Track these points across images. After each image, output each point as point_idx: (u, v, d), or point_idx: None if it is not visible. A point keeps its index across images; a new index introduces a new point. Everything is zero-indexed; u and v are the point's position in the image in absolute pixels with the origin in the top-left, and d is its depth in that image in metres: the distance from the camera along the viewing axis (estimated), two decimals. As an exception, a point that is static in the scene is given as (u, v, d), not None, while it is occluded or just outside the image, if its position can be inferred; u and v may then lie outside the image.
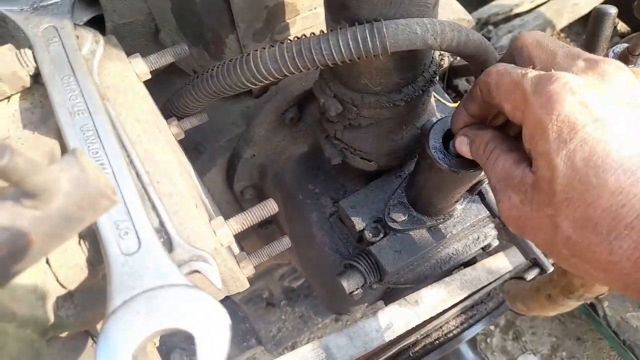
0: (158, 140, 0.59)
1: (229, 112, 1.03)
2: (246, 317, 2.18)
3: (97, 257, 0.49)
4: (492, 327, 2.33)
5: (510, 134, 0.61)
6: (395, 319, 0.80)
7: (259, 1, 0.82)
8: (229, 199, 1.23)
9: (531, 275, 0.78)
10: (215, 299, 0.44)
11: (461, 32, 0.67)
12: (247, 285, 0.75)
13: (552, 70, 0.51)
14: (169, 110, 0.83)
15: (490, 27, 2.41)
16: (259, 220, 0.61)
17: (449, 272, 1.06)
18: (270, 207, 0.61)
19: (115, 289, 0.44)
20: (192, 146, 1.03)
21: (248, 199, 1.20)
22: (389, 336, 0.78)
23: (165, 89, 0.84)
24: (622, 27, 2.77)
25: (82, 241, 0.48)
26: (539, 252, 0.78)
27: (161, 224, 0.53)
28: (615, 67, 0.51)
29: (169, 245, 0.52)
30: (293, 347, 2.24)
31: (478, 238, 1.06)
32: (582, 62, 0.53)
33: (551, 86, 0.49)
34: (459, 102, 0.98)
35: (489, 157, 0.57)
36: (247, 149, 1.04)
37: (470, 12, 2.46)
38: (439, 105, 1.08)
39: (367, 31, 0.63)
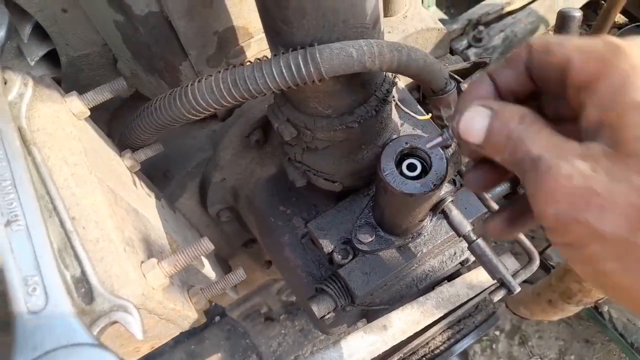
0: (87, 183, 0.57)
1: (196, 137, 1.02)
2: (246, 333, 2.17)
3: (7, 314, 0.48)
4: (497, 333, 2.29)
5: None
6: (360, 348, 0.77)
7: (207, 28, 0.80)
8: (209, 222, 1.21)
9: (498, 296, 0.75)
10: (120, 359, 0.43)
11: (401, 53, 0.64)
12: (202, 320, 0.74)
13: None
14: (124, 142, 0.82)
15: (482, 28, 2.36)
16: (193, 260, 0.59)
17: (427, 290, 1.03)
18: (204, 246, 0.59)
19: (18, 350, 0.43)
20: (161, 173, 1.02)
21: (225, 221, 1.19)
22: (352, 366, 0.76)
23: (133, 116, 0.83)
24: (620, 18, 2.71)
25: (-6, 298, 0.47)
26: (505, 272, 0.75)
27: (83, 273, 0.51)
28: None
29: (90, 295, 0.50)
30: (295, 361, 2.23)
31: (455, 253, 1.03)
32: None
33: None
34: (430, 114, 0.96)
35: (527, 128, 0.43)
36: (216, 173, 1.03)
37: (461, 14, 2.43)
38: (409, 119, 1.06)
39: (300, 57, 0.61)
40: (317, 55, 0.61)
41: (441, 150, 0.72)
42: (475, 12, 2.43)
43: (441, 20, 2.62)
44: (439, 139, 0.56)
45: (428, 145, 0.58)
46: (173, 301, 0.61)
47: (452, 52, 2.36)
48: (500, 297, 0.76)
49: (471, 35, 2.34)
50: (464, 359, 1.29)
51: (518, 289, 0.75)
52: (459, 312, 1.12)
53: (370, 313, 1.04)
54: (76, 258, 0.52)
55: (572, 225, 0.39)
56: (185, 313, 0.66)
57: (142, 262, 0.57)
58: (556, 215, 0.39)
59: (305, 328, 2.17)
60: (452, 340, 1.20)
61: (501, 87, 0.50)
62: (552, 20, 2.43)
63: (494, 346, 2.27)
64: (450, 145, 0.73)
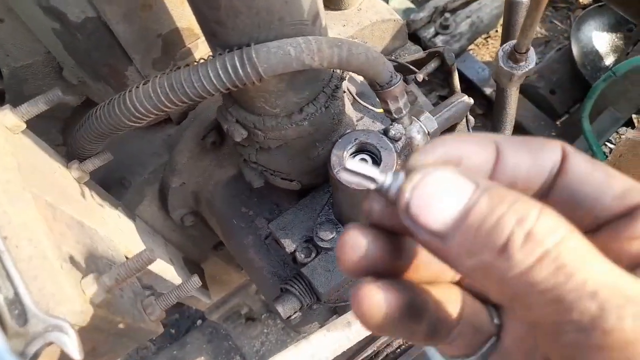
0: (20, 200, 0.55)
1: (151, 142, 1.00)
2: (228, 335, 2.15)
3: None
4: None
5: None
6: (323, 346, 0.77)
7: (148, 31, 0.78)
8: (174, 227, 1.19)
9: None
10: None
11: (342, 48, 0.63)
12: (158, 330, 0.73)
13: None
14: (71, 153, 0.79)
15: (448, 15, 2.37)
16: (136, 272, 0.58)
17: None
18: (145, 258, 0.58)
19: (-57, 380, 0.41)
20: (116, 181, 1.00)
21: (190, 226, 1.17)
22: (315, 366, 0.75)
23: None
24: (584, -1, 2.73)
25: None
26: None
27: (16, 294, 0.49)
28: None
29: (24, 316, 0.49)
30: (279, 360, 2.22)
31: (420, 245, 1.03)
32: None
33: None
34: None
35: (563, 239, 0.27)
36: (174, 178, 1.01)
37: (426, 2, 2.42)
38: (368, 112, 1.05)
39: (236, 58, 0.60)
40: (254, 55, 0.60)
41: (390, 144, 0.71)
42: (441, -1, 2.43)
43: (408, 10, 2.63)
44: (372, 176, 0.32)
45: (351, 168, 0.35)
46: (122, 315, 0.60)
47: (419, 40, 2.37)
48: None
49: (438, 22, 2.34)
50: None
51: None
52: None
53: (340, 309, 1.04)
54: (8, 278, 0.50)
55: None
56: (138, 325, 0.65)
57: (82, 278, 0.56)
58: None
59: (288, 325, 2.16)
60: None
61: (505, 168, 0.33)
62: (517, 4, 2.45)
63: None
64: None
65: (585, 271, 0.25)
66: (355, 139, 0.72)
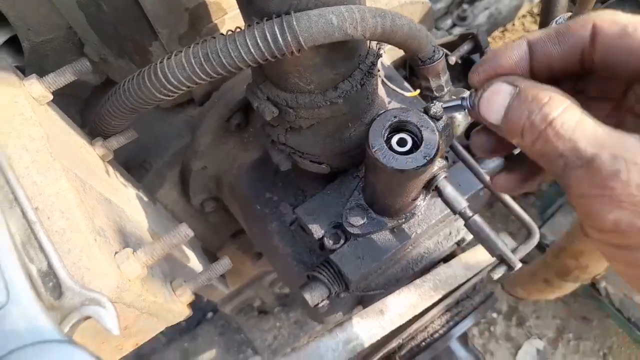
0: (51, 170, 0.53)
1: (172, 124, 0.98)
2: (240, 328, 2.13)
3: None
4: (494, 315, 2.27)
5: None
6: (357, 334, 0.74)
7: (177, 4, 0.76)
8: (193, 212, 1.17)
9: (498, 274, 0.72)
10: (92, 354, 0.39)
11: (385, 18, 0.60)
12: (187, 312, 0.70)
13: None
14: (95, 130, 0.77)
15: (466, 6, 2.33)
16: (172, 248, 0.55)
17: (423, 272, 1.00)
18: (182, 233, 0.55)
19: (-23, 353, 0.38)
20: (137, 164, 0.97)
21: (211, 212, 1.15)
22: (349, 354, 0.72)
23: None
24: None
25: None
26: (504, 248, 0.72)
27: (50, 266, 0.47)
28: None
29: (58, 289, 0.46)
30: (291, 354, 2.19)
31: (450, 233, 1.00)
32: None
33: None
34: (418, 90, 0.92)
35: (561, 116, 0.40)
36: (196, 161, 0.98)
37: (444, -8, 2.38)
38: (396, 96, 1.02)
39: (276, 27, 0.57)
40: (295, 23, 0.56)
41: (432, 123, 0.68)
42: (458, -10, 2.39)
43: None
44: (458, 102, 0.54)
45: (444, 106, 0.58)
46: (154, 294, 0.57)
47: (437, 30, 2.33)
48: (500, 275, 0.73)
49: (455, 14, 2.30)
50: (463, 341, 1.27)
51: (519, 265, 0.72)
52: (457, 294, 1.09)
53: (366, 299, 1.01)
54: (41, 250, 0.47)
55: (633, 232, 0.38)
56: (169, 306, 0.62)
57: (116, 252, 0.53)
58: (617, 221, 0.38)
59: (301, 320, 2.14)
60: (451, 323, 1.17)
61: (539, 61, 0.45)
62: (537, -3, 2.40)
63: (491, 328, 2.26)
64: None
65: (575, 130, 0.39)
66: (394, 117, 0.69)
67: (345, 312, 1.13)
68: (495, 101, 0.45)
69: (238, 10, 0.83)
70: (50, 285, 0.46)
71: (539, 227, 2.20)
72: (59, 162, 0.54)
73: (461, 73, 1.01)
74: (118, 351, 0.65)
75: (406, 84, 1.08)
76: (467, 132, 1.02)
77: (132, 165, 0.95)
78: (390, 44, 0.64)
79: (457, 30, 2.30)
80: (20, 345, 0.39)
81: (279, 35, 0.57)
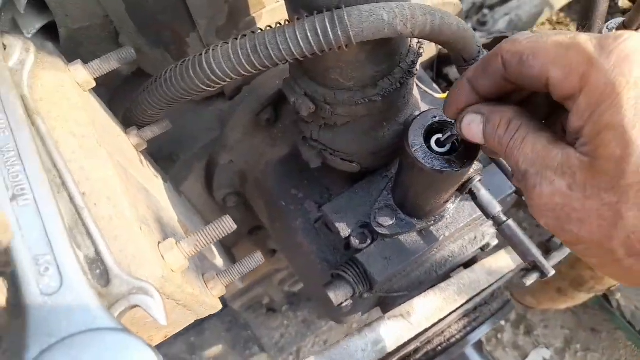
0: (97, 156, 0.52)
1: (202, 117, 0.97)
2: (247, 325, 2.12)
3: (18, 297, 0.43)
4: (502, 322, 2.26)
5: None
6: (385, 335, 0.73)
7: (217, -4, 0.75)
8: (214, 207, 1.16)
9: (530, 280, 0.71)
10: (147, 344, 0.38)
11: (435, 16, 0.59)
12: (218, 306, 0.69)
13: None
14: (129, 119, 0.76)
15: (486, 11, 2.32)
16: (215, 239, 0.54)
17: (446, 276, 0.99)
18: (226, 225, 0.54)
19: (32, 337, 0.38)
20: (165, 155, 0.97)
21: (232, 207, 1.14)
22: (378, 355, 0.72)
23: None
24: (623, 3, 2.67)
25: (1, 281, 0.42)
26: (538, 255, 0.71)
27: (97, 253, 0.46)
28: None
29: (105, 277, 0.45)
30: (297, 353, 2.19)
31: (475, 238, 0.99)
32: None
33: (625, 44, 0.40)
34: (449, 90, 0.91)
35: (513, 136, 0.48)
36: (224, 155, 0.97)
37: (464, -3, 2.37)
38: (426, 97, 1.01)
39: (327, 20, 0.56)
40: (346, 17, 0.56)
41: (472, 124, 0.68)
42: (479, -5, 2.38)
43: (444, 5, 2.57)
44: (449, 133, 0.64)
45: (443, 138, 0.66)
46: (191, 285, 0.57)
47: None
48: (533, 281, 0.72)
49: (475, 19, 2.30)
50: (479, 348, 1.26)
51: (552, 272, 0.71)
52: (476, 299, 1.08)
53: (388, 300, 1.00)
54: (89, 236, 0.47)
55: (560, 232, 0.46)
56: (203, 299, 0.62)
57: (159, 242, 0.52)
58: (546, 225, 0.47)
59: (308, 319, 2.13)
60: (469, 328, 1.16)
61: (484, 90, 0.53)
62: (558, 4, 2.39)
63: (499, 336, 2.25)
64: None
65: (519, 148, 0.47)
66: (435, 117, 0.68)
67: (364, 313, 1.13)
68: (473, 129, 0.53)
69: (276, 4, 0.84)
70: (98, 272, 0.46)
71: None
72: (105, 148, 0.54)
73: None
74: (149, 341, 0.64)
75: (435, 86, 1.07)
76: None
77: (160, 156, 0.94)
78: (436, 42, 0.63)
79: (477, 35, 2.28)
80: (75, 332, 0.38)
81: (329, 30, 0.56)
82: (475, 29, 2.31)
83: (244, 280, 1.59)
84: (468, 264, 1.05)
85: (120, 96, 1.02)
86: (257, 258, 0.68)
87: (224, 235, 0.55)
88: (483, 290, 1.03)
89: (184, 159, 0.96)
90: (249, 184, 1.05)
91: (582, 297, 1.69)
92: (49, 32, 0.85)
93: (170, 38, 0.79)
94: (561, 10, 2.60)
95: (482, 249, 1.00)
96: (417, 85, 0.98)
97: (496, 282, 1.04)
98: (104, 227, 0.48)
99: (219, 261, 1.03)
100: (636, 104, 0.39)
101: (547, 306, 1.98)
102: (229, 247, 1.40)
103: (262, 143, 0.98)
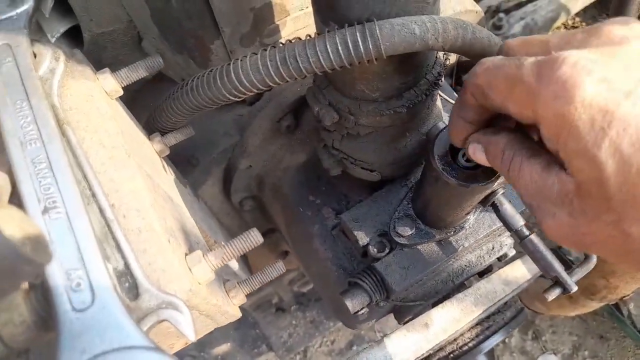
0: (126, 167, 0.52)
1: (222, 122, 0.97)
2: (256, 323, 2.13)
3: (49, 312, 0.43)
4: (511, 327, 2.25)
5: (530, 134, 0.51)
6: (404, 347, 0.73)
7: (243, 3, 0.75)
8: (229, 210, 1.16)
9: (552, 295, 0.71)
10: (180, 363, 0.38)
11: (467, 30, 0.59)
12: (239, 315, 0.69)
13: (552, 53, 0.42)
14: (152, 125, 0.76)
15: (502, 15, 2.30)
16: (242, 252, 0.54)
17: (461, 285, 0.99)
18: (253, 238, 0.54)
19: (65, 353, 0.38)
20: (184, 159, 0.97)
21: (248, 210, 1.14)
22: (397, 366, 0.72)
23: (155, 99, 0.78)
24: None
25: (31, 293, 0.42)
26: (560, 270, 0.71)
27: (126, 266, 0.46)
28: (621, 25, 0.42)
29: (134, 290, 0.46)
30: (305, 353, 2.19)
31: (493, 248, 0.99)
32: (580, 34, 0.44)
33: (560, 70, 0.39)
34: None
35: (509, 167, 0.48)
36: (243, 160, 0.97)
37: (479, 0, 2.36)
38: (446, 105, 1.00)
39: (358, 34, 0.56)
40: (377, 31, 0.55)
41: (499, 139, 0.67)
42: (495, -2, 2.37)
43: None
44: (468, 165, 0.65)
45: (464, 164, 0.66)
46: (215, 296, 0.57)
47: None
48: (556, 296, 0.71)
49: (491, 22, 2.28)
50: (490, 356, 1.25)
51: (575, 288, 0.70)
52: (492, 308, 1.07)
53: (402, 308, 1.00)
54: (118, 249, 0.47)
55: (587, 252, 0.51)
56: (225, 308, 0.62)
57: (186, 254, 0.52)
58: (571, 248, 0.49)
59: (317, 319, 2.14)
60: (481, 337, 1.15)
61: (476, 123, 0.53)
62: (574, 8, 2.37)
63: (507, 341, 2.24)
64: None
65: (518, 180, 0.48)
66: (461, 131, 0.67)
67: (377, 319, 1.13)
68: (479, 157, 0.54)
69: (300, 12, 0.83)
70: (127, 285, 0.46)
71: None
72: (133, 159, 0.54)
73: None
74: (169, 350, 0.65)
75: (455, 94, 1.07)
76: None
77: (179, 160, 0.94)
78: (466, 56, 0.63)
79: (492, 39, 2.26)
80: (108, 350, 0.38)
81: (360, 43, 0.56)
82: (490, 33, 2.29)
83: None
84: (483, 272, 1.05)
85: (141, 99, 1.02)
86: (279, 267, 0.68)
87: (251, 248, 0.55)
88: (499, 300, 1.02)
89: (203, 163, 0.96)
90: (266, 189, 1.05)
91: (594, 306, 1.68)
92: (72, 36, 0.85)
93: (194, 44, 0.79)
94: (577, 14, 2.57)
95: (500, 259, 1.00)
96: (439, 94, 0.98)
97: (512, 292, 1.03)
98: (133, 240, 0.48)
99: (234, 265, 1.03)
100: (592, 125, 0.38)
101: (556, 312, 1.97)
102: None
103: (281, 149, 0.98)
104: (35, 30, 0.79)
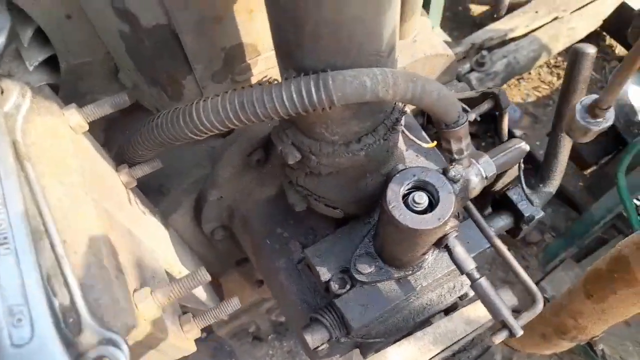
0: (82, 205, 0.54)
1: (194, 153, 0.99)
2: (232, 352, 2.11)
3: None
4: (487, 363, 2.25)
5: None
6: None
7: (214, 43, 0.78)
8: (202, 239, 1.18)
9: (499, 338, 0.72)
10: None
11: (416, 84, 0.62)
12: (193, 349, 0.71)
13: None
14: (121, 157, 0.79)
15: (485, 52, 2.37)
16: (189, 290, 0.56)
17: (424, 323, 1.01)
18: (201, 277, 0.56)
19: (-2, 388, 0.39)
20: (155, 187, 0.99)
21: (220, 240, 1.16)
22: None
23: (130, 127, 0.80)
24: (620, 50, 2.73)
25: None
26: (507, 315, 0.73)
27: (72, 301, 0.48)
28: None
29: (78, 326, 0.47)
30: (280, 382, 2.17)
31: (454, 287, 1.00)
32: None
33: None
34: (435, 142, 0.93)
35: None
36: (213, 191, 1.00)
37: (464, 37, 2.43)
38: (412, 145, 1.04)
39: (312, 84, 0.59)
40: (330, 81, 0.59)
41: (450, 185, 0.70)
42: (479, 36, 2.44)
43: (445, 43, 2.61)
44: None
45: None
46: (164, 332, 0.58)
47: (456, 76, 2.36)
48: (502, 339, 0.73)
49: (474, 59, 2.34)
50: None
51: (520, 332, 0.72)
52: (455, 347, 1.09)
53: (364, 345, 1.01)
54: (66, 285, 0.48)
55: None
56: (177, 343, 0.63)
57: (135, 290, 0.54)
58: None
59: (294, 350, 2.13)
60: (446, 374, 1.16)
61: None
62: (555, 49, 2.44)
63: (483, 376, 2.23)
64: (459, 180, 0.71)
65: None
66: (414, 176, 0.70)
67: (342, 354, 1.13)
68: None
69: (271, 52, 0.87)
70: (71, 321, 0.48)
71: (540, 280, 2.20)
72: (91, 196, 0.56)
73: (479, 130, 1.03)
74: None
75: (424, 134, 1.10)
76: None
77: (149, 188, 0.96)
78: (417, 106, 0.66)
79: (475, 75, 2.34)
80: (41, 385, 0.40)
81: (313, 92, 0.59)
82: (473, 69, 2.35)
83: (229, 309, 1.59)
84: (448, 310, 1.06)
85: (116, 125, 1.04)
86: (234, 303, 0.69)
87: (198, 286, 0.57)
88: (460, 340, 1.04)
89: (174, 193, 0.98)
90: (236, 220, 1.07)
91: (565, 345, 1.69)
92: (51, 65, 0.88)
93: (166, 80, 0.82)
94: (559, 54, 2.65)
95: (461, 298, 1.02)
96: (405, 133, 1.01)
97: (473, 331, 1.05)
98: (81, 276, 0.50)
99: (201, 294, 1.04)
100: None
101: (532, 350, 1.97)
102: (217, 278, 1.41)
103: (251, 182, 1.00)
104: (11, 61, 0.81)
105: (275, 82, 0.62)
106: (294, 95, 0.60)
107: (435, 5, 2.47)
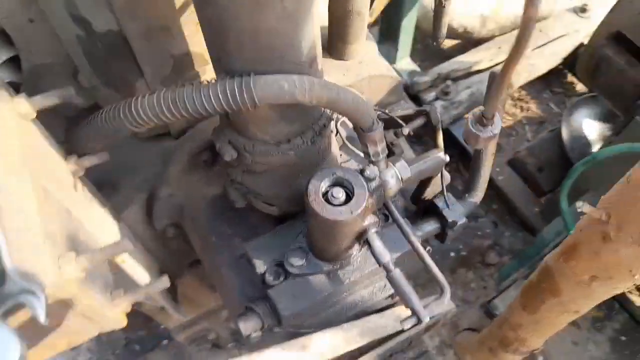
0: (19, 176, 0.61)
1: (148, 152, 1.07)
2: (191, 358, 2.14)
3: None
4: (443, 379, 2.30)
5: None
6: (274, 363, 0.80)
7: (163, 50, 0.86)
8: (154, 236, 1.24)
9: (409, 323, 0.79)
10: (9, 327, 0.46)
11: (331, 90, 0.71)
12: (123, 322, 0.77)
13: None
14: (72, 149, 0.86)
15: (449, 82, 2.49)
16: (110, 256, 0.63)
17: (356, 318, 1.07)
18: (122, 245, 0.63)
19: None
20: (108, 183, 1.06)
21: (171, 238, 1.22)
22: (265, 381, 0.78)
23: None
24: (580, 87, 2.88)
25: None
26: (416, 302, 0.80)
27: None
28: None
29: (1, 279, 0.53)
30: (237, 392, 2.19)
31: (385, 286, 1.08)
32: None
33: None
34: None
35: None
36: (164, 189, 1.06)
37: (432, 67, 2.55)
38: (356, 157, 1.12)
39: (235, 85, 0.67)
40: (252, 83, 0.67)
41: (364, 183, 0.78)
42: (445, 67, 2.57)
43: (413, 72, 2.74)
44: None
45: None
46: (90, 298, 0.64)
47: (420, 102, 2.48)
48: (410, 325, 0.80)
49: (439, 88, 2.47)
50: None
51: (427, 319, 0.79)
52: (390, 345, 1.15)
53: (299, 336, 1.07)
54: (-5, 244, 0.55)
55: None
56: (103, 311, 0.69)
57: (61, 255, 0.61)
58: None
59: (252, 358, 2.15)
60: (381, 374, 1.22)
61: None
62: (517, 83, 2.58)
63: (437, 392, 2.28)
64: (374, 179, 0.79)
65: None
66: (333, 173, 0.78)
67: (279, 345, 1.19)
68: None
69: (218, 62, 0.95)
70: (-3, 274, 0.54)
71: (493, 298, 2.28)
72: (29, 170, 0.63)
73: (415, 142, 1.11)
74: (52, 348, 0.71)
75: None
76: (412, 198, 1.12)
77: (103, 184, 1.03)
78: (334, 110, 0.75)
79: (440, 103, 2.46)
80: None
81: (237, 93, 0.67)
82: (438, 98, 2.47)
83: (188, 313, 1.64)
84: (382, 309, 1.13)
85: (74, 126, 1.11)
86: (163, 282, 0.76)
87: (119, 254, 0.63)
88: (393, 336, 1.10)
89: (125, 189, 1.04)
90: (186, 218, 1.14)
91: (510, 358, 1.76)
92: (14, 64, 0.95)
93: (120, 82, 0.90)
94: (522, 87, 2.79)
95: (392, 296, 1.08)
96: (346, 144, 1.10)
97: (405, 330, 1.11)
98: (12, 238, 0.56)
99: (142, 277, 1.09)
100: None
101: (482, 366, 2.03)
102: (173, 281, 1.46)
103: (198, 181, 1.07)
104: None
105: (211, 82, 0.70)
106: (220, 95, 0.68)
107: (404, 37, 2.61)
